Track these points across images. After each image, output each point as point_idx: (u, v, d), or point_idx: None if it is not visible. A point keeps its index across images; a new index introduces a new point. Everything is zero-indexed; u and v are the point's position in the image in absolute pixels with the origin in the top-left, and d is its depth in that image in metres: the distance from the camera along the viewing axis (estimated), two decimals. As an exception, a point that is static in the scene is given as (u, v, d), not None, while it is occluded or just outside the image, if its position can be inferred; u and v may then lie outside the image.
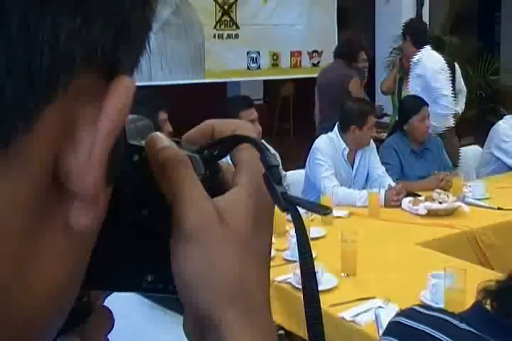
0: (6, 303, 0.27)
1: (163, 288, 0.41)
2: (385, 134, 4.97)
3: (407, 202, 3.61)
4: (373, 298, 2.38)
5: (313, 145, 3.95)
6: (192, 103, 7.03)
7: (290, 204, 0.39)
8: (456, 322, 1.23)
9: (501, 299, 1.19)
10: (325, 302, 2.21)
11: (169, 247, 0.39)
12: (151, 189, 0.39)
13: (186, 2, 5.74)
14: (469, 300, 1.44)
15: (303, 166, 4.06)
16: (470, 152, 5.11)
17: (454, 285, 2.23)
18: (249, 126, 0.46)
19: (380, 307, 2.28)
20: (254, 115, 3.61)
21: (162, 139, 0.40)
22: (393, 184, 3.84)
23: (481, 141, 5.16)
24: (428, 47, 4.95)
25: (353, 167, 3.99)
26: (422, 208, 3.49)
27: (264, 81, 8.17)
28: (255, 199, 0.41)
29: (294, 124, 9.47)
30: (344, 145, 3.90)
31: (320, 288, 0.42)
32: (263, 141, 0.49)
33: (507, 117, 4.87)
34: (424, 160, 4.24)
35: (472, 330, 1.19)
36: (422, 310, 1.32)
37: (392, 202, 3.64)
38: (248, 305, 0.40)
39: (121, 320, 0.42)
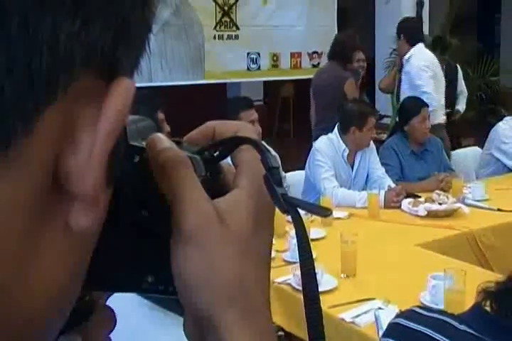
0: (6, 303, 0.27)
1: (163, 290, 0.41)
2: (385, 135, 4.97)
3: (406, 203, 3.61)
4: (373, 299, 2.37)
5: (313, 147, 3.96)
6: (192, 104, 7.04)
7: (290, 206, 0.40)
8: (455, 323, 1.22)
9: (501, 300, 1.19)
10: (325, 303, 2.20)
11: (169, 248, 0.39)
12: (152, 189, 0.39)
13: (186, 3, 5.74)
14: (469, 302, 1.43)
15: (303, 167, 4.06)
16: (470, 153, 5.11)
17: (453, 287, 2.23)
18: (250, 127, 0.46)
19: (379, 308, 2.28)
20: (254, 116, 3.61)
21: (163, 140, 0.40)
22: (393, 185, 3.84)
23: (480, 142, 5.16)
24: (421, 45, 4.96)
25: (352, 168, 3.99)
26: (421, 209, 3.49)
27: (264, 82, 8.17)
28: (256, 201, 0.41)
29: (294, 125, 9.47)
30: (344, 147, 3.90)
31: (320, 289, 0.42)
32: (263, 142, 0.49)
33: (507, 118, 4.87)
34: (424, 161, 4.23)
35: (472, 332, 1.19)
36: (421, 311, 1.32)
37: (392, 203, 3.64)
38: (248, 306, 0.40)
39: (121, 321, 0.42)
